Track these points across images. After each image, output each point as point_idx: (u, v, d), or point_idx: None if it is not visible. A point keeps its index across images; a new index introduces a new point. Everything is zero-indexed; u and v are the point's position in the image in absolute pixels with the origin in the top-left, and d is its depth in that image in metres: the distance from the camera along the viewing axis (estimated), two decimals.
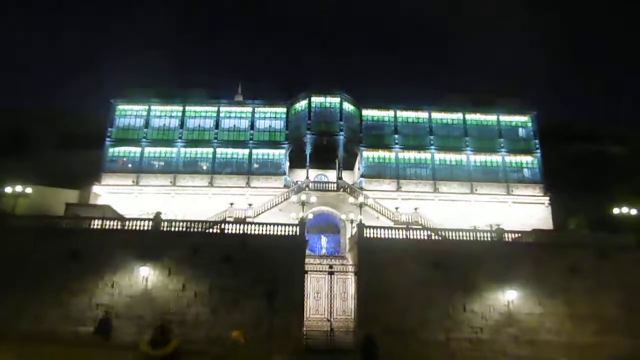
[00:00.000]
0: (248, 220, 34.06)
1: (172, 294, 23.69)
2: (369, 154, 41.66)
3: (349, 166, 43.02)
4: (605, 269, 24.89)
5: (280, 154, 41.40)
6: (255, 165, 41.05)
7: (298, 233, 25.37)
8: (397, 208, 38.05)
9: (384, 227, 27.13)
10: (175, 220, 26.26)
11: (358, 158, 42.05)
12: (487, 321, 24.13)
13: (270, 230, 25.50)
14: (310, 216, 35.02)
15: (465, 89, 48.66)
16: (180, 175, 40.38)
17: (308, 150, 40.62)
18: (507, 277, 24.64)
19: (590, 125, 48.56)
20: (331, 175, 41.81)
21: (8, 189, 27.01)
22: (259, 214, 36.35)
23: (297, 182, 40.01)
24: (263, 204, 37.42)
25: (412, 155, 41.80)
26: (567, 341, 23.22)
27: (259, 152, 41.47)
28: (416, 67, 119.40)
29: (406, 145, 41.94)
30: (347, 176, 41.63)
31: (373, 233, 26.18)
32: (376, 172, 41.09)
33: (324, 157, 41.59)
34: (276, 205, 37.15)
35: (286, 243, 24.72)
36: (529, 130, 43.29)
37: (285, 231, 25.51)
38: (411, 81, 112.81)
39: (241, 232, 25.42)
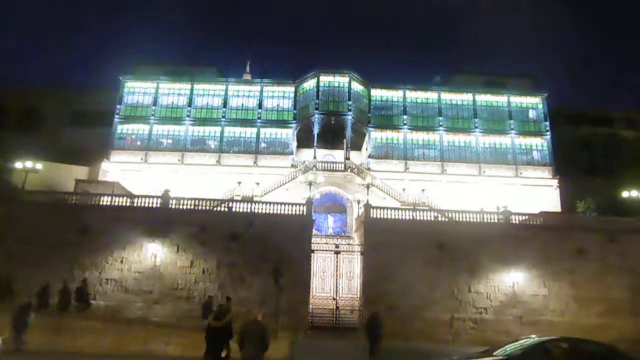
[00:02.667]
0: (255, 199, 34.09)
1: (180, 271, 24.03)
2: (377, 135, 41.52)
3: (357, 146, 43.02)
4: (612, 252, 24.94)
5: (287, 134, 41.35)
6: (263, 145, 41.10)
7: (305, 212, 25.51)
8: (404, 189, 38.04)
9: (391, 208, 27.37)
10: (184, 198, 26.34)
11: (366, 138, 41.98)
12: (491, 302, 24.44)
13: (277, 210, 25.64)
14: (318, 196, 35.28)
15: (475, 70, 47.17)
16: (188, 153, 40.44)
17: (316, 130, 40.53)
18: (513, 258, 24.81)
19: (601, 108, 47.65)
20: (338, 155, 41.99)
21: (18, 165, 27.20)
22: (266, 193, 36.51)
23: (304, 161, 40.08)
24: (270, 183, 37.53)
25: (420, 136, 41.59)
26: (570, 322, 23.28)
27: (267, 131, 41.43)
28: (427, 48, 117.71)
29: (415, 125, 41.72)
30: (354, 156, 41.59)
31: (380, 214, 26.30)
32: (384, 152, 40.99)
33: (331, 137, 41.61)
34: (283, 184, 37.28)
35: (293, 222, 24.84)
36: (539, 112, 42.71)
37: (292, 210, 25.67)
38: (421, 62, 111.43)
39: (248, 210, 25.62)
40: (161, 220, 24.59)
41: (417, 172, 40.07)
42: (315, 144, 40.52)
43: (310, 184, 32.30)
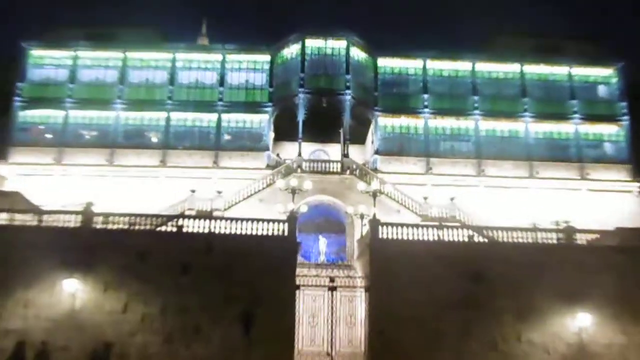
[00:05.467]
0: (216, 214, 34.38)
1: (110, 317, 23.49)
2: (386, 122, 41.81)
3: (359, 139, 43.10)
4: None
5: (261, 121, 41.52)
6: (227, 137, 41.31)
7: (286, 233, 25.61)
8: (425, 198, 38.11)
9: (408, 225, 27.14)
10: (114, 214, 26.42)
11: (372, 127, 42.19)
12: (549, 355, 24.13)
13: (247, 229, 25.73)
14: (304, 209, 34.92)
15: (522, 30, 47.53)
16: (120, 151, 40.56)
17: (301, 116, 40.76)
18: (579, 294, 24.48)
19: None
20: (333, 151, 42.31)
21: None
22: (232, 205, 36.75)
23: (285, 160, 40.24)
24: (237, 191, 37.68)
25: (447, 123, 42.06)
26: None
27: (232, 118, 41.66)
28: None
29: (440, 109, 42.13)
30: (356, 152, 41.81)
31: (392, 233, 26.31)
32: (397, 147, 41.31)
33: (323, 126, 41.83)
34: (255, 193, 37.57)
35: (270, 247, 24.90)
36: (612, 88, 43.39)
37: (268, 230, 25.75)
38: (447, 19, 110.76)
39: (206, 230, 25.73)
40: (82, 246, 24.26)
41: (443, 175, 40.51)
42: (300, 135, 40.72)
43: (293, 191, 31.80)
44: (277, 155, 42.59)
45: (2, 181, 38.70)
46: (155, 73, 42.70)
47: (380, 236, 26.17)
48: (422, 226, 27.58)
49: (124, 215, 26.38)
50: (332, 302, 26.34)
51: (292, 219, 26.41)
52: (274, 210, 32.32)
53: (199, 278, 23.92)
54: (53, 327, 23.25)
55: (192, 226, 26.12)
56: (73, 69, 42.45)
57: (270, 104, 41.88)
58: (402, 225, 27.10)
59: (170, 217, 27.76)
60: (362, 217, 33.20)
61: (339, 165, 39.37)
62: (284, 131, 42.28)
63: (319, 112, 40.92)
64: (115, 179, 39.70)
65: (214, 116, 41.57)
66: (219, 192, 37.77)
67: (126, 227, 25.77)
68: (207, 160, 40.41)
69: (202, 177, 39.60)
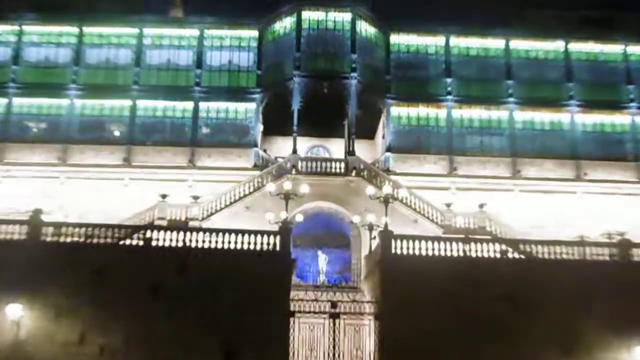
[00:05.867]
0: (192, 224, 34.58)
1: (62, 350, 23.27)
2: (401, 112, 41.90)
3: (367, 132, 43.14)
4: None
5: (247, 111, 41.67)
6: (205, 130, 41.37)
7: (278, 247, 25.77)
8: (449, 205, 38.13)
9: (427, 238, 27.23)
10: (67, 225, 26.42)
11: (383, 119, 42.21)
12: None
13: (229, 243, 25.81)
14: (300, 218, 34.87)
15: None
16: (75, 147, 40.60)
17: (296, 105, 40.76)
18: (637, 323, 24.53)
19: None
20: (336, 147, 42.39)
21: None
22: (211, 213, 36.84)
23: (276, 159, 40.29)
24: (218, 196, 37.70)
25: (475, 113, 42.19)
26: None
27: (212, 107, 41.80)
28: None
29: (466, 96, 42.25)
30: (363, 149, 41.77)
31: (408, 247, 26.39)
32: (413, 142, 41.46)
33: (323, 117, 41.63)
34: (241, 198, 37.56)
35: (257, 265, 24.90)
36: None
37: (255, 244, 25.82)
38: None
39: (180, 244, 25.78)
40: (28, 263, 24.04)
41: (470, 176, 40.64)
42: (295, 128, 40.69)
43: (287, 197, 31.56)
44: (265, 151, 42.77)
45: None
46: (118, 52, 42.67)
47: (393, 251, 26.21)
48: (445, 239, 27.65)
49: (80, 225, 26.32)
50: (334, 332, 26.16)
51: (285, 230, 26.49)
52: (263, 220, 32.11)
53: (171, 302, 23.82)
54: None
55: (162, 239, 26.07)
56: (17, 48, 42.48)
57: (258, 89, 41.94)
58: (420, 238, 27.08)
59: (136, 228, 27.83)
60: (371, 228, 32.92)
61: (343, 164, 39.39)
62: (276, 123, 42.32)
63: (318, 99, 40.61)
64: (69, 181, 39.69)
65: (189, 104, 41.70)
66: (196, 198, 37.72)
67: (82, 240, 25.68)
68: (182, 158, 40.53)
69: (175, 179, 39.69)
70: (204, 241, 25.92)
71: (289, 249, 26.08)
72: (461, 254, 26.57)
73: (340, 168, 39.34)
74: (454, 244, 27.03)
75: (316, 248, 38.51)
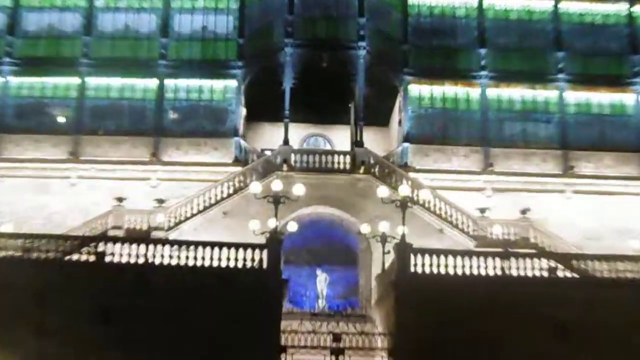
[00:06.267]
0: (156, 235, 35.01)
1: None
2: (422, 91, 41.81)
3: (379, 118, 43.49)
4: None
5: (226, 91, 41.70)
6: (173, 116, 41.64)
7: (265, 264, 25.67)
8: (483, 211, 37.99)
9: (455, 253, 27.14)
10: (1, 235, 26.63)
11: (399, 100, 42.25)
12: None
13: (203, 259, 25.76)
14: (293, 227, 34.51)
15: None
16: (8, 137, 40.79)
17: (288, 83, 40.67)
18: None
19: None
20: (339, 137, 42.75)
21: None
22: (180, 221, 36.86)
23: (263, 152, 40.44)
24: (188, 200, 37.74)
25: (517, 93, 42.11)
26: None
27: (181, 86, 41.88)
28: None
29: (504, 71, 42.25)
30: (374, 139, 42.24)
31: (431, 265, 26.22)
32: (438, 130, 41.58)
33: (323, 99, 41.76)
34: (217, 202, 37.44)
35: (238, 286, 24.90)
36: None
37: (236, 260, 25.71)
38: None
39: (141, 260, 25.82)
40: None
41: (511, 173, 40.57)
42: (287, 112, 40.65)
43: (277, 200, 30.98)
44: (244, 137, 42.71)
45: None
46: (63, 17, 42.57)
47: (412, 270, 26.02)
48: (478, 255, 27.49)
49: (17, 236, 26.51)
50: None
51: (274, 243, 26.48)
52: (245, 230, 31.82)
53: (128, 329, 23.82)
54: None
55: (119, 253, 26.11)
56: None
57: (240, 63, 41.86)
58: (446, 252, 26.96)
59: (86, 240, 27.98)
60: (384, 240, 32.84)
61: (348, 159, 39.22)
62: (263, 106, 42.67)
63: (316, 76, 40.62)
64: (2, 180, 39.86)
65: (152, 83, 41.66)
66: (161, 202, 37.66)
67: (19, 254, 25.64)
68: (142, 151, 40.50)
69: (135, 177, 39.71)
70: (170, 256, 25.83)
71: (279, 266, 26.06)
72: (499, 272, 26.41)
73: (344, 163, 39.15)
74: (489, 260, 26.83)
75: (314, 265, 38.71)
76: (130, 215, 37.29)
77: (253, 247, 25.98)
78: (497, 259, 26.83)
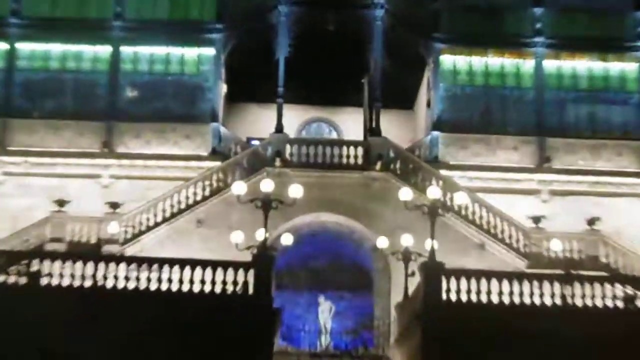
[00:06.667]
0: (109, 250, 34.64)
1: None
2: (458, 63, 41.50)
3: (401, 98, 43.11)
4: None
5: (202, 62, 41.74)
6: (131, 94, 41.02)
7: (251, 289, 24.98)
8: (537, 220, 37.25)
9: (501, 275, 26.27)
10: None
11: (427, 75, 42.02)
12: None
13: (169, 281, 25.07)
14: (289, 241, 33.96)
15: None
16: None
17: (282, 52, 40.31)
18: None
19: None
20: (348, 123, 42.83)
21: None
22: (140, 232, 36.53)
23: (249, 141, 40.12)
24: (151, 204, 37.46)
25: (582, 65, 41.30)
26: None
27: (142, 55, 41.70)
28: None
29: (567, 37, 41.51)
30: (395, 125, 41.97)
31: (469, 291, 25.24)
32: (479, 114, 40.99)
33: (328, 73, 41.71)
34: (189, 207, 37.19)
35: (216, 317, 24.08)
36: None
37: (213, 283, 25.03)
38: None
39: (88, 282, 25.00)
40: None
41: (574, 171, 40.34)
42: (281, 90, 40.11)
43: (267, 205, 30.12)
44: (224, 122, 42.44)
45: None
46: None
47: (444, 297, 24.94)
48: (531, 278, 26.51)
49: None
50: None
51: (263, 261, 25.72)
52: (226, 244, 31.20)
53: None
54: None
55: (58, 274, 25.18)
56: None
57: (219, 25, 41.61)
58: (489, 275, 26.05)
59: (14, 257, 26.80)
60: (407, 258, 31.86)
61: (361, 151, 38.75)
62: (249, 82, 42.74)
63: (319, 42, 40.52)
64: None
65: (104, 50, 41.22)
66: (115, 206, 37.04)
67: None
68: (91, 140, 39.88)
69: (81, 174, 39.25)
70: (126, 278, 25.09)
71: (269, 292, 25.12)
72: (558, 301, 25.33)
73: (355, 157, 38.64)
74: (546, 285, 25.83)
75: (315, 291, 37.98)
76: (74, 223, 36.59)
77: (235, 266, 25.17)
78: (557, 284, 25.84)
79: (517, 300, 25.04)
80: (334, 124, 43.34)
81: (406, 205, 30.30)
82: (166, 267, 25.15)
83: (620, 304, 25.71)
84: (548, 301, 25.20)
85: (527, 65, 41.11)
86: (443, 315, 24.52)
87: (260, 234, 28.19)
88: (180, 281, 24.83)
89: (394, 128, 41.09)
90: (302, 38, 39.88)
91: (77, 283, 24.73)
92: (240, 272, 24.80)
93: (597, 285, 25.95)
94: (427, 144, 40.27)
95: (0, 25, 41.63)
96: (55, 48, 41.28)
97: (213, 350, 23.57)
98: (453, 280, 25.02)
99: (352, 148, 38.76)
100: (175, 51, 41.26)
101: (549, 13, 41.61)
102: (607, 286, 26.21)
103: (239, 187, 30.73)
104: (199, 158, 39.52)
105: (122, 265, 25.53)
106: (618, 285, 26.77)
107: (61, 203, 36.69)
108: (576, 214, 37.51)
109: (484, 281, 25.29)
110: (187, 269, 25.03)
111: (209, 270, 24.97)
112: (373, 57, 39.83)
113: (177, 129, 40.09)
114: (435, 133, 40.06)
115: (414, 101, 43.86)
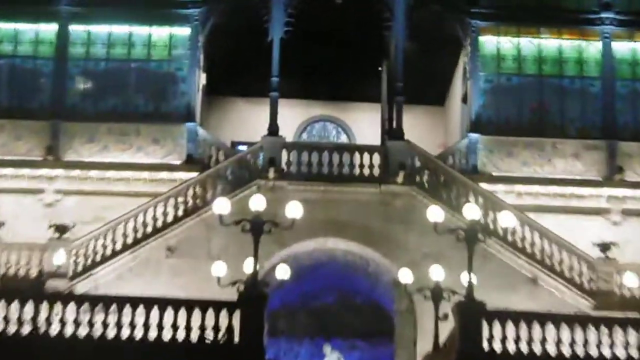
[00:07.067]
0: (54, 285, 33.79)
1: None
2: (502, 46, 41.70)
3: (429, 91, 42.70)
4: None
5: (175, 43, 41.84)
6: (83, 85, 40.97)
7: (237, 336, 24.49)
8: (607, 248, 36.05)
9: (559, 319, 25.71)
10: None
11: (463, 60, 42.46)
12: None
13: (132, 326, 24.71)
14: (285, 274, 33.37)
15: None
16: None
17: (277, 32, 40.12)
18: None
19: None
20: (361, 121, 42.21)
21: None
22: (95, 264, 36.03)
23: (234, 146, 39.84)
24: (110, 226, 37.01)
25: None
26: None
27: (99, 36, 41.72)
28: None
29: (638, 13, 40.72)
30: (421, 125, 41.70)
31: (518, 339, 24.65)
32: (529, 112, 40.85)
33: (335, 60, 42.64)
34: (158, 231, 36.86)
35: None
36: None
37: (188, 329, 24.75)
38: None
39: (27, 328, 24.65)
40: None
41: None
42: (275, 81, 39.92)
43: (257, 228, 29.16)
44: (202, 123, 42.41)
45: None
46: None
47: (486, 347, 24.35)
48: (599, 322, 26.05)
49: None
50: None
51: (252, 300, 25.59)
52: (204, 277, 31.64)
53: None
54: None
55: None
56: None
57: (198, 2, 41.44)
58: (544, 318, 25.50)
59: None
60: (437, 296, 30.97)
61: (378, 158, 38.30)
62: (234, 71, 42.54)
63: (324, 21, 40.69)
64: None
65: (49, 29, 41.14)
66: (63, 230, 36.03)
67: None
68: (31, 144, 39.88)
69: (19, 188, 39.14)
70: (77, 323, 24.59)
71: (260, 340, 24.81)
72: (635, 353, 24.59)
73: (371, 167, 38.23)
74: (618, 332, 25.23)
75: (320, 338, 37.91)
76: (9, 252, 36.00)
77: (217, 307, 24.82)
78: (632, 331, 25.07)
79: (580, 351, 24.53)
80: (343, 124, 43.45)
81: (436, 228, 29.08)
82: (127, 309, 24.72)
83: None
84: (620, 353, 24.50)
85: (593, 48, 40.70)
86: None
87: (248, 266, 27.59)
88: (146, 326, 24.43)
89: (420, 129, 41.00)
90: (303, 14, 39.30)
91: (11, 329, 24.39)
92: (223, 314, 24.50)
93: None
94: (463, 150, 39.87)
95: None
96: None
97: None
98: (497, 325, 24.58)
99: (366, 155, 38.47)
100: (140, 31, 41.03)
101: None
102: None
103: (222, 205, 29.59)
104: (170, 168, 39.13)
105: (71, 306, 24.99)
106: None
107: None
108: None
109: (536, 326, 24.69)
110: (155, 311, 24.66)
111: (182, 312, 24.66)
112: (393, 39, 39.55)
113: (143, 130, 39.77)
114: (474, 136, 39.72)
115: (445, 95, 44.03)
